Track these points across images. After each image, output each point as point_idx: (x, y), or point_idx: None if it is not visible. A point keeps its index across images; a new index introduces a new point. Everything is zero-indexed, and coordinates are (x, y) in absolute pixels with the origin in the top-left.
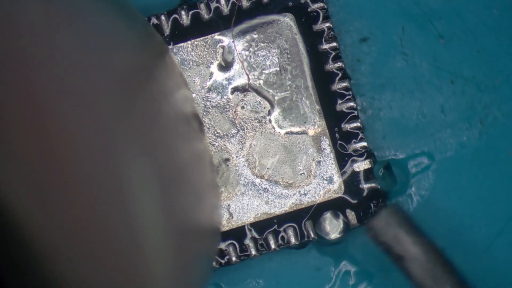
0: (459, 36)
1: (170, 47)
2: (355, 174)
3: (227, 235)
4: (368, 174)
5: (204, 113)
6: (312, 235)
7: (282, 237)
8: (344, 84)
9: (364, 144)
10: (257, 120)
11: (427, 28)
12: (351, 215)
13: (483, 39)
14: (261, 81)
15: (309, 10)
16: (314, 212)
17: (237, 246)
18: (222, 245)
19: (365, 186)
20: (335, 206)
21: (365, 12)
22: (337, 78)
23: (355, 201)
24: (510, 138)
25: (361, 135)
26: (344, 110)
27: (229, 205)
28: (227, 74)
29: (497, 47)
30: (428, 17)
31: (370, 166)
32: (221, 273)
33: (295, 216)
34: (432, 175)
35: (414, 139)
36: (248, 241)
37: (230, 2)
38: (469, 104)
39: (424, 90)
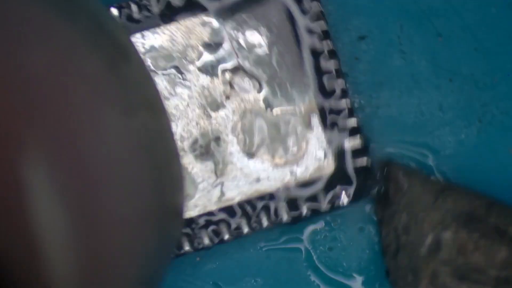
0: (458, 34)
1: (161, 27)
2: (345, 151)
3: (219, 213)
4: (358, 151)
5: (195, 93)
6: (304, 212)
7: (276, 213)
8: (333, 61)
9: (354, 119)
10: (247, 100)
11: (425, 26)
12: (342, 192)
13: (482, 37)
14: (251, 60)
15: None
16: (305, 189)
17: (230, 223)
18: (214, 224)
19: (356, 163)
20: (326, 183)
21: (363, 10)
22: (325, 55)
23: (346, 179)
24: (509, 136)
25: (350, 112)
26: (334, 87)
27: (222, 183)
28: (216, 54)
29: (496, 45)
30: (426, 15)
31: (359, 142)
32: (219, 272)
33: (286, 193)
34: (431, 173)
35: (412, 137)
36: (240, 219)
37: None
38: (468, 102)
39: (422, 88)
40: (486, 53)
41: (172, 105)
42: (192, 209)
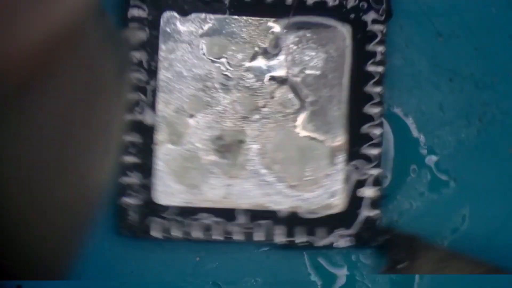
0: (458, 33)
1: (225, 16)
2: (358, 198)
3: (218, 213)
4: (373, 201)
5: (234, 90)
6: (298, 241)
7: (271, 232)
8: (376, 111)
9: (379, 171)
10: (282, 114)
11: (425, 26)
12: (342, 237)
13: (482, 37)
14: (299, 79)
15: (367, 29)
16: (307, 220)
17: (224, 226)
18: (209, 220)
19: (366, 212)
20: (330, 220)
21: None
22: (372, 102)
23: (350, 223)
24: (509, 136)
25: (378, 163)
26: (369, 134)
27: (231, 185)
28: (269, 61)
29: (496, 45)
30: (426, 15)
31: (377, 194)
32: (219, 272)
33: (288, 217)
34: (431, 173)
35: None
36: (235, 225)
37: None
38: (468, 102)
39: (423, 88)
40: (486, 53)
41: (210, 94)
42: (193, 200)
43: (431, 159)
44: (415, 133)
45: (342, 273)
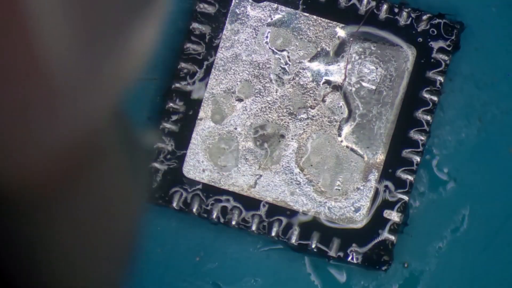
0: (458, 33)
1: (297, 11)
2: (382, 219)
3: (241, 200)
4: (393, 227)
5: (288, 85)
6: (311, 246)
7: (285, 231)
8: (422, 138)
9: (406, 198)
10: (328, 119)
11: None
12: (353, 252)
13: (482, 37)
14: (353, 89)
15: (432, 55)
16: (325, 228)
17: (243, 214)
18: (229, 205)
19: (384, 235)
20: (346, 234)
21: None
22: (418, 128)
23: (365, 242)
24: (509, 136)
25: (407, 189)
26: (408, 159)
27: (260, 176)
28: (328, 65)
29: (496, 45)
30: None
31: (398, 221)
32: (219, 272)
33: (308, 221)
34: (431, 173)
35: None
36: (254, 216)
37: (370, 5)
38: (468, 102)
39: None
40: (486, 53)
41: (263, 83)
42: (220, 181)
43: (431, 159)
44: None
45: (342, 272)
